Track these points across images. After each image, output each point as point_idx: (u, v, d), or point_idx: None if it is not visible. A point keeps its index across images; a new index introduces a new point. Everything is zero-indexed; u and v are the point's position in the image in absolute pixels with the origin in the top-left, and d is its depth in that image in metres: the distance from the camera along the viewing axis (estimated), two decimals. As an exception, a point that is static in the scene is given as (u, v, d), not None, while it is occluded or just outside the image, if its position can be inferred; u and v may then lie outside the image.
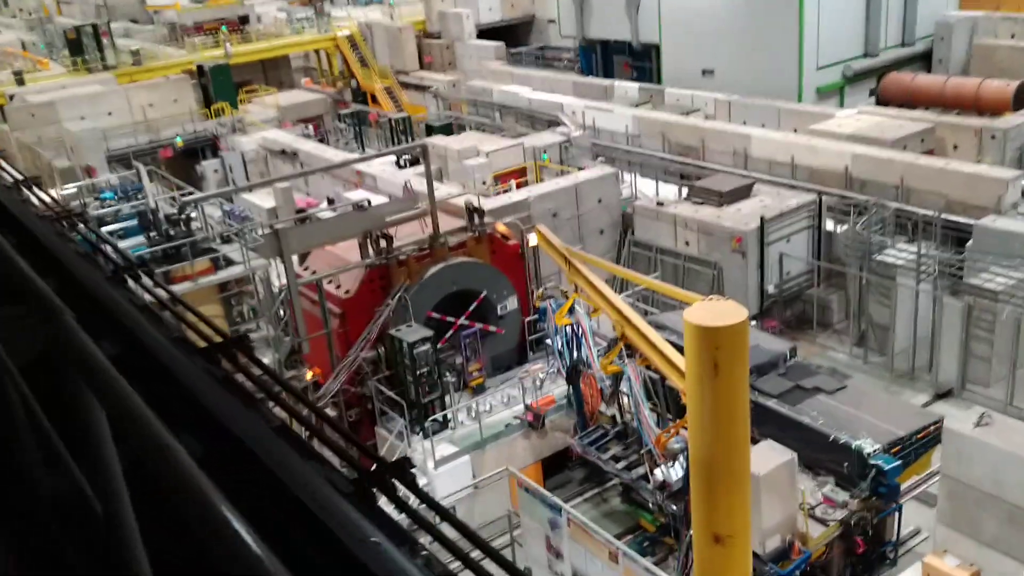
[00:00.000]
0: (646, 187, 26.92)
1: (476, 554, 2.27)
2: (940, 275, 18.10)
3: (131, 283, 4.97)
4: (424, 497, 2.78)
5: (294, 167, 28.56)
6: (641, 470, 13.72)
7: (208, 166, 29.35)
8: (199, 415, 2.80)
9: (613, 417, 14.98)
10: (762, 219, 20.11)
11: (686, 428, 10.07)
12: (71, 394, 2.89)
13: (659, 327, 13.45)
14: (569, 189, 22.29)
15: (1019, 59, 30.71)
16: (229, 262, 15.09)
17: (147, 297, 5.02)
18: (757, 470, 10.26)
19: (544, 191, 22.06)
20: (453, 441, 16.08)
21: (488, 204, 20.28)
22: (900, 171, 22.02)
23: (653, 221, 22.13)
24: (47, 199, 6.51)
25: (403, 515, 2.61)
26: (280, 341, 15.74)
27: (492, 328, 17.88)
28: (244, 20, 46.17)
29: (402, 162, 26.90)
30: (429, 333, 16.02)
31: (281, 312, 16.34)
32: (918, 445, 12.85)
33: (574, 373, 14.68)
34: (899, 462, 12.19)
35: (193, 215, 14.92)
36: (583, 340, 13.74)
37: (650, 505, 13.86)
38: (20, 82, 33.68)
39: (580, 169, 25.27)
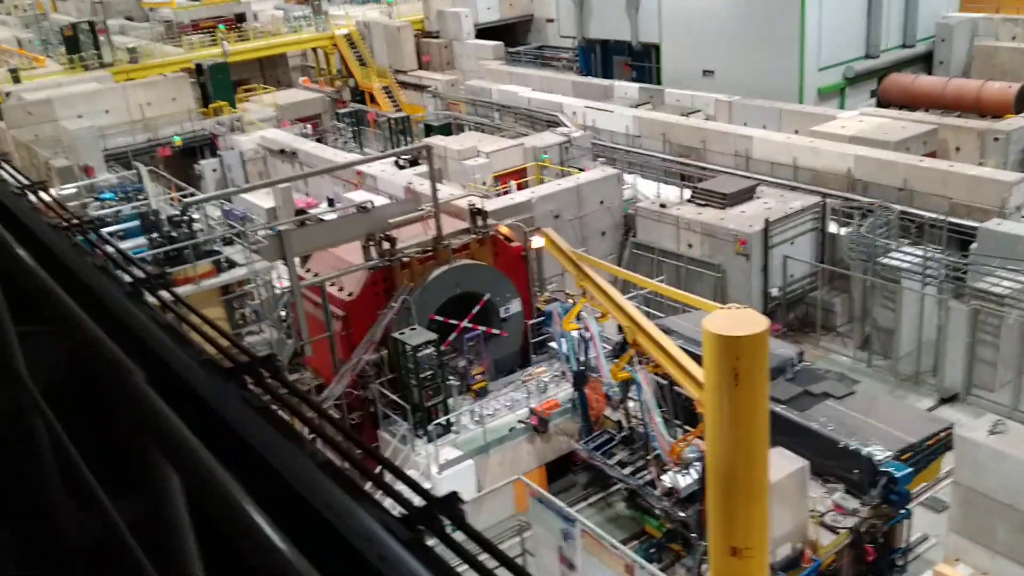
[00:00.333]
0: (647, 188, 26.80)
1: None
2: (945, 278, 18.00)
3: (148, 296, 4.81)
4: (478, 538, 2.63)
5: (293, 167, 28.38)
6: (648, 476, 13.57)
7: (206, 165, 29.13)
8: (238, 448, 2.65)
9: (618, 422, 14.84)
10: (767, 221, 19.99)
11: (700, 437, 9.95)
12: (106, 419, 2.72)
13: (665, 332, 13.32)
14: (571, 190, 22.15)
15: (1020, 61, 30.70)
16: (231, 264, 14.90)
17: (162, 309, 4.86)
18: (769, 478, 10.11)
19: (546, 192, 21.92)
20: (457, 445, 15.93)
21: (490, 205, 20.13)
22: (903, 173, 21.94)
23: (655, 223, 22.00)
24: (55, 205, 6.34)
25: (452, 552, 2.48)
26: (283, 344, 15.57)
27: (495, 331, 17.74)
28: (241, 18, 45.99)
29: (401, 162, 26.75)
30: (433, 336, 15.86)
31: (283, 315, 16.18)
32: (928, 451, 12.75)
33: (581, 378, 14.53)
34: (910, 469, 12.08)
35: (196, 216, 14.73)
36: (591, 345, 13.58)
37: (656, 511, 13.72)
38: (16, 79, 33.43)
39: (581, 170, 25.14)
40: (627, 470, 14.05)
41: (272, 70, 42.98)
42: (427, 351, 15.71)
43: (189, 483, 1.82)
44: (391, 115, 34.02)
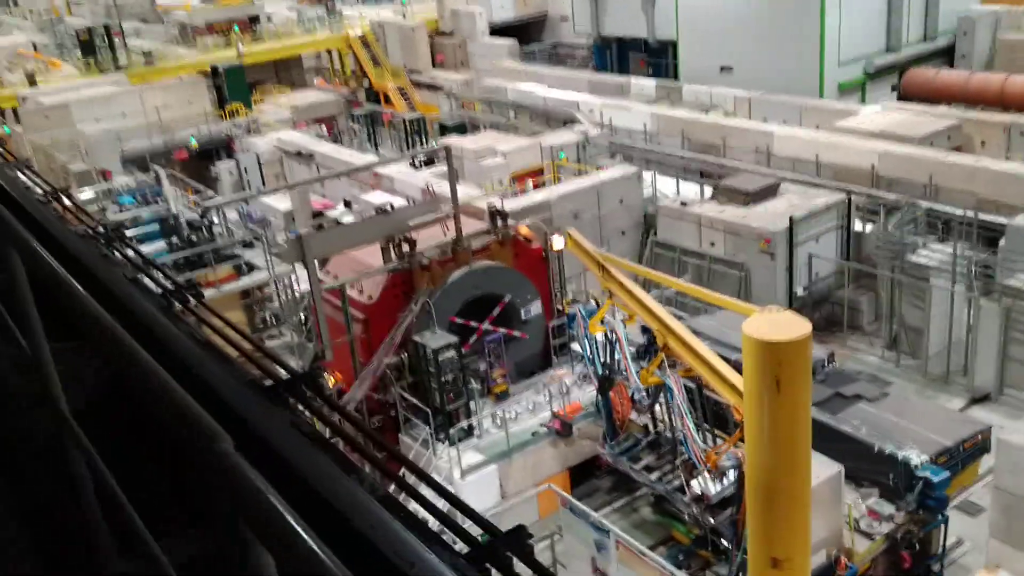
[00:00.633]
0: (666, 186, 26.53)
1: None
2: (976, 276, 17.64)
3: (179, 307, 4.61)
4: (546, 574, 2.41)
5: (309, 168, 28.23)
6: (676, 481, 13.31)
7: (223, 167, 29.03)
8: (294, 482, 2.45)
9: (645, 426, 14.58)
10: (791, 219, 19.67)
11: (737, 445, 9.70)
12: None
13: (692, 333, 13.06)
14: (591, 189, 21.91)
15: (1044, 54, 30.23)
16: (251, 268, 14.73)
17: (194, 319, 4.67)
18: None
19: (566, 192, 21.67)
20: (479, 449, 15.72)
21: (509, 206, 19.90)
22: (929, 169, 21.59)
23: (677, 221, 21.72)
24: (80, 212, 6.16)
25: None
26: (303, 348, 15.40)
27: (516, 333, 17.51)
28: (254, 20, 45.84)
29: (417, 163, 26.57)
30: (454, 339, 15.66)
31: (303, 318, 16.01)
32: (965, 455, 12.45)
33: (607, 382, 14.28)
34: (947, 473, 11.78)
35: (215, 220, 14.57)
36: (617, 349, 13.32)
37: (685, 517, 13.45)
38: (32, 83, 33.42)
39: (599, 168, 24.88)
40: (654, 475, 13.79)
41: (286, 71, 42.87)
42: (448, 354, 15.52)
43: (247, 518, 1.67)
44: (406, 115, 33.84)
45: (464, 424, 15.81)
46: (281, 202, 25.69)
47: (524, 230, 18.08)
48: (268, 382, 3.34)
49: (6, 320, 3.63)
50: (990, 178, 20.55)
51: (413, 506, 2.54)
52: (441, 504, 2.67)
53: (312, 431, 2.75)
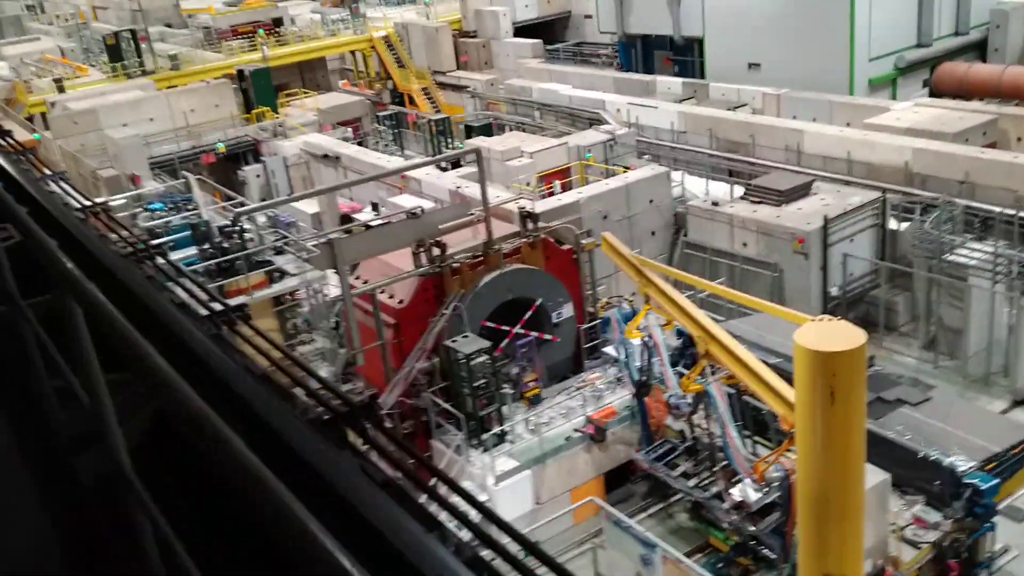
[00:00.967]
0: (694, 185, 26.22)
1: None
2: (1018, 275, 17.26)
3: (225, 331, 4.48)
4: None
5: (337, 171, 28.18)
6: (715, 488, 13.09)
7: (250, 171, 29.04)
8: (367, 536, 2.29)
9: (681, 431, 14.36)
10: (825, 218, 19.36)
11: (786, 456, 9.48)
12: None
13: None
14: (620, 190, 21.65)
15: (1080, 46, 29.64)
16: (283, 274, 14.66)
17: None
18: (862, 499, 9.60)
19: (595, 192, 21.44)
20: (512, 455, 15.55)
21: (538, 207, 19.72)
22: (964, 166, 21.18)
23: (707, 222, 21.45)
24: (118, 228, 6.05)
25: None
26: (335, 354, 15.31)
27: (547, 336, 17.34)
28: (278, 22, 45.98)
29: (443, 164, 26.42)
30: (486, 344, 15.50)
31: (334, 323, 15.93)
32: (1014, 461, 12.13)
33: (643, 388, 14.07)
34: (996, 480, 11.48)
35: (247, 226, 14.51)
36: (655, 354, 13.11)
37: (724, 524, 13.22)
38: (60, 89, 33.64)
39: (626, 168, 24.63)
40: (692, 482, 13.58)
41: (311, 74, 42.93)
42: (480, 359, 15.36)
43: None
44: (432, 117, 33.72)
45: (497, 430, 15.65)
46: (309, 205, 25.65)
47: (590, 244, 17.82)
48: (325, 415, 3.20)
49: (52, 351, 3.52)
50: (1029, 174, 20.12)
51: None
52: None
53: (386, 480, 2.59)
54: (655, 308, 12.69)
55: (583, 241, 17.53)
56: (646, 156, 27.67)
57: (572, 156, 26.32)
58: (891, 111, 25.75)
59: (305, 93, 37.42)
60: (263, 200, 28.35)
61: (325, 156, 28.16)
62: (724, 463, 12.88)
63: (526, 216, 17.38)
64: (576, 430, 15.84)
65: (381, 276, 16.54)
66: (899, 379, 14.14)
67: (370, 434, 3.25)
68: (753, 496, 12.08)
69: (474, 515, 3.03)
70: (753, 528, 12.31)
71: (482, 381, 15.42)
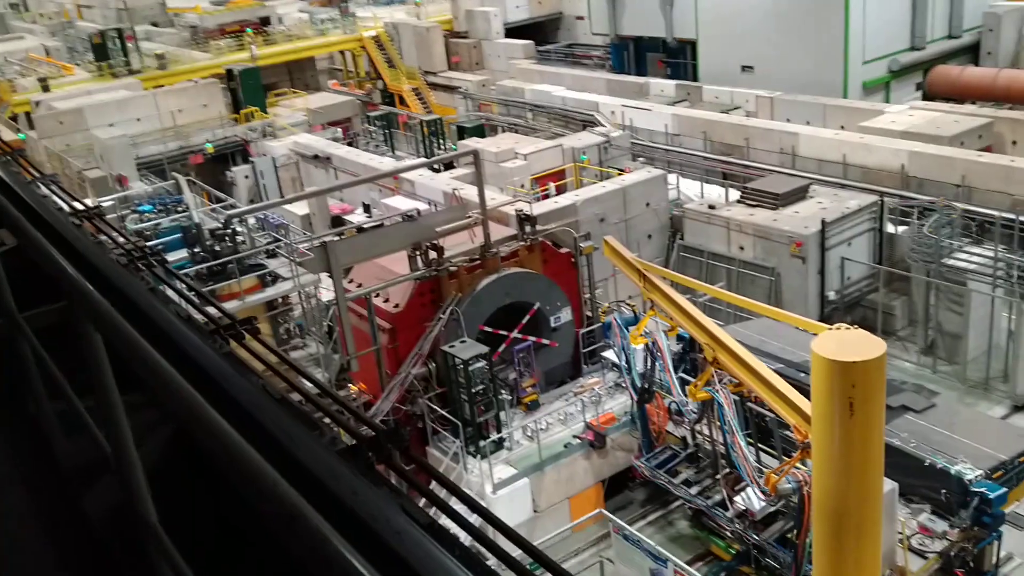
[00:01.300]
0: (689, 188, 26.04)
1: None
2: (1018, 280, 17.14)
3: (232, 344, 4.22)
4: None
5: (327, 172, 27.86)
6: (718, 496, 12.88)
7: (239, 172, 28.66)
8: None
9: (683, 438, 14.15)
10: (823, 222, 19.20)
11: (799, 467, 9.27)
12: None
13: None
14: (616, 192, 21.44)
15: (1073, 50, 29.63)
16: (276, 278, 14.36)
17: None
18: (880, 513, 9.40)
19: (591, 195, 21.21)
20: (510, 463, 15.33)
21: (535, 210, 19.49)
22: (961, 169, 21.08)
23: (704, 225, 21.26)
24: (114, 233, 5.77)
25: None
26: (329, 359, 15.02)
27: (545, 341, 17.11)
28: (265, 22, 45.62)
29: (436, 165, 26.14)
30: (484, 349, 15.26)
31: (328, 329, 15.64)
32: (1020, 468, 11.97)
33: (646, 395, 13.85)
34: (1004, 489, 11.32)
35: (239, 229, 14.20)
36: (659, 361, 12.88)
37: (726, 532, 13.02)
38: (46, 88, 33.16)
39: (620, 171, 24.44)
40: (694, 489, 13.36)
41: (300, 73, 42.56)
42: (479, 365, 15.12)
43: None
44: (423, 117, 33.43)
45: (495, 437, 15.40)
46: (299, 207, 25.32)
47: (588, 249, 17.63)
48: (351, 442, 2.94)
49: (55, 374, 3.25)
50: (1026, 178, 20.03)
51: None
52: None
53: (428, 521, 2.35)
54: (659, 313, 12.46)
55: (582, 244, 17.30)
56: (640, 158, 27.49)
57: (566, 158, 26.10)
58: (886, 114, 25.65)
59: (294, 93, 37.07)
60: (252, 201, 28.02)
61: (316, 157, 27.83)
62: (727, 471, 12.67)
63: (524, 219, 17.14)
64: (575, 436, 15.64)
65: (376, 280, 16.26)
66: (903, 385, 13.98)
67: (398, 463, 2.99)
68: (758, 505, 11.87)
69: (513, 550, 2.78)
70: (757, 537, 12.10)
71: (480, 387, 15.18)
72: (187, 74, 35.79)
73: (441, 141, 32.27)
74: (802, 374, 13.14)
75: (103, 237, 5.60)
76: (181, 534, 2.67)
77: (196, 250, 13.98)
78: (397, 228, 16.01)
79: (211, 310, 4.56)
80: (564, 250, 17.66)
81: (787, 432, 12.05)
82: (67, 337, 3.60)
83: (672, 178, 25.65)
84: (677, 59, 36.12)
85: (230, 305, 13.33)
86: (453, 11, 43.25)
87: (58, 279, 3.43)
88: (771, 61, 30.89)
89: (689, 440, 14.00)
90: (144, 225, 15.42)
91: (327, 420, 3.36)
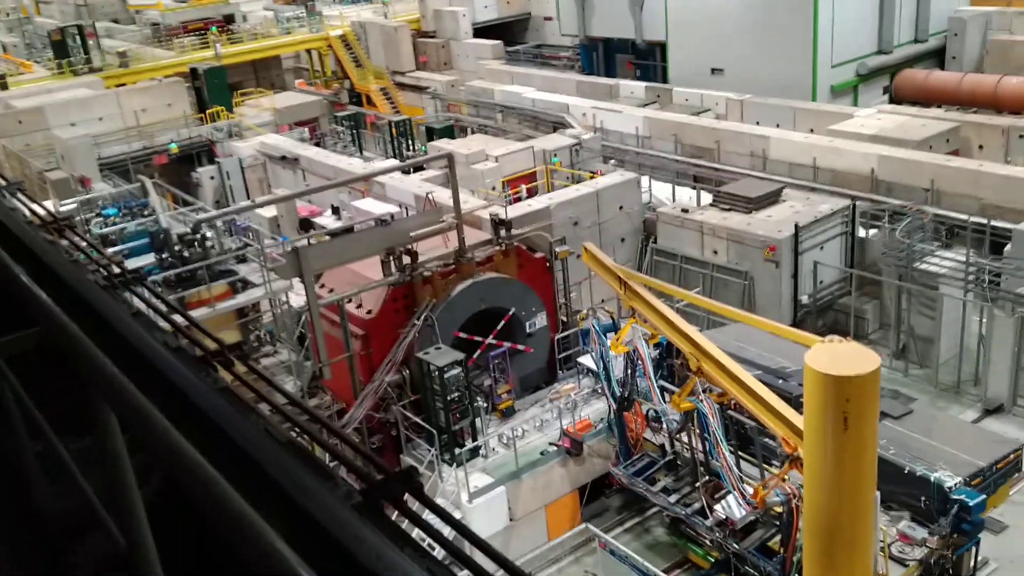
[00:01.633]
0: (660, 191, 26.01)
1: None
2: (988, 284, 17.27)
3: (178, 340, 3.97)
4: None
5: (295, 173, 27.44)
6: (697, 504, 12.78)
7: (204, 173, 28.11)
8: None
9: (661, 446, 14.04)
10: (796, 226, 19.23)
11: (785, 480, 9.18)
12: None
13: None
14: (590, 196, 21.31)
15: (1036, 55, 30.07)
16: (246, 284, 14.01)
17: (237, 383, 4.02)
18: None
19: (565, 198, 21.06)
20: (487, 471, 15.12)
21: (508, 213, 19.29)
22: (930, 173, 21.23)
23: (677, 228, 21.21)
24: (90, 248, 5.47)
25: None
26: (301, 367, 14.70)
27: (521, 347, 16.93)
28: (230, 19, 44.95)
29: (406, 167, 25.82)
30: (460, 356, 15.03)
31: (299, 335, 15.31)
32: (998, 475, 12.01)
33: (625, 403, 13.71)
34: (984, 497, 11.34)
35: (208, 234, 13.83)
36: (641, 369, 12.74)
37: (707, 541, 12.92)
38: (3, 86, 32.33)
39: (592, 174, 24.34)
40: (673, 497, 13.25)
41: (266, 72, 41.97)
42: (454, 371, 14.89)
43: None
44: (392, 118, 33.07)
45: (471, 445, 15.18)
46: (266, 209, 24.86)
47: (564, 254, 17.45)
48: (360, 489, 2.71)
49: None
50: (994, 182, 20.22)
51: None
52: None
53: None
54: (639, 321, 12.32)
55: (557, 249, 17.14)
56: (612, 161, 27.42)
57: (537, 160, 25.94)
58: (855, 118, 25.82)
59: (260, 92, 36.51)
60: (218, 202, 27.50)
61: (283, 158, 27.39)
62: (706, 479, 12.57)
63: (499, 223, 16.94)
64: (551, 443, 15.46)
65: (348, 285, 15.97)
66: (880, 392, 13.96)
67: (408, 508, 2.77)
68: (738, 513, 11.78)
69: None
70: (738, 545, 12.02)
71: (456, 394, 14.95)
72: (150, 72, 35.11)
73: (410, 142, 31.96)
74: (780, 380, 13.11)
75: (76, 251, 5.30)
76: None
77: (164, 256, 13.59)
78: (370, 232, 15.71)
79: (194, 332, 4.31)
80: (539, 254, 17.48)
81: (767, 439, 11.99)
82: (45, 366, 3.33)
83: (643, 181, 25.61)
84: (646, 61, 36.15)
85: (200, 312, 12.99)
86: (421, 10, 42.94)
87: (30, 306, 3.16)
88: (741, 64, 31.00)
89: (667, 448, 13.89)
90: (109, 229, 14.99)
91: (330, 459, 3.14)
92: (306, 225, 24.44)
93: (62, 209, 15.72)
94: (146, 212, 15.59)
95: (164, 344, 3.61)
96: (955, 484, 11.40)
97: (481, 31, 42.12)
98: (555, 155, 25.95)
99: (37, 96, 29.99)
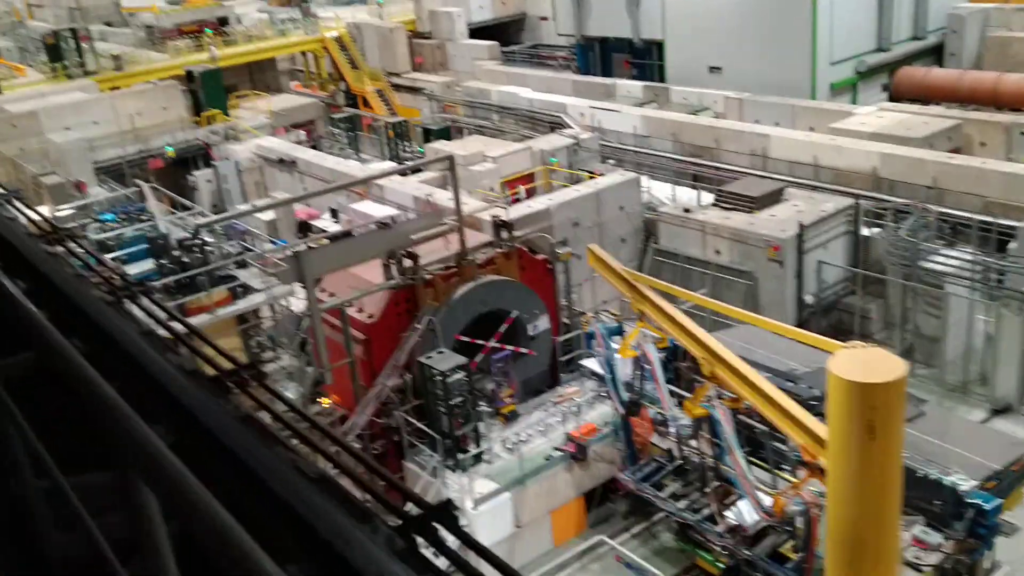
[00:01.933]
0: (659, 191, 25.83)
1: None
2: (996, 283, 17.12)
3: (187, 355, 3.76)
4: None
5: (292, 176, 27.20)
6: (707, 510, 12.59)
7: (200, 176, 27.87)
8: None
9: (668, 451, 13.84)
10: (800, 225, 19.06)
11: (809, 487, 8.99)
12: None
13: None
14: (590, 196, 21.12)
15: (1035, 52, 29.95)
16: (247, 290, 13.79)
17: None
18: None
19: (565, 199, 20.87)
20: (490, 476, 14.91)
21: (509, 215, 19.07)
22: (933, 171, 21.08)
23: (679, 228, 21.03)
24: (93, 260, 5.26)
25: None
26: (302, 372, 14.49)
27: (523, 350, 16.73)
28: (223, 22, 44.63)
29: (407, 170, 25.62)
30: (463, 360, 14.83)
31: (301, 340, 15.10)
32: (1012, 478, 11.85)
33: (633, 407, 13.51)
34: (999, 500, 11.16)
35: (208, 239, 13.61)
36: (650, 375, 12.53)
37: (716, 547, 12.73)
38: (-3, 91, 32.04)
39: (591, 174, 24.14)
40: (682, 503, 13.05)
41: (261, 75, 41.68)
42: (457, 376, 14.68)
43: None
44: (388, 119, 32.87)
45: (475, 451, 14.98)
46: (263, 213, 24.61)
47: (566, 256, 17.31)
48: (391, 521, 2.51)
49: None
50: (998, 180, 20.08)
51: None
52: None
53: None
54: (648, 325, 12.12)
55: (559, 251, 16.95)
56: (610, 160, 27.22)
57: (535, 161, 25.74)
58: (855, 116, 25.66)
59: (256, 95, 36.26)
60: (215, 205, 27.27)
61: (280, 160, 27.15)
62: (716, 484, 12.39)
63: (500, 225, 16.74)
64: (556, 448, 15.26)
65: (349, 289, 15.76)
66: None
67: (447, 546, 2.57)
68: (750, 519, 11.60)
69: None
70: (749, 552, 11.83)
71: (459, 399, 14.74)
72: (145, 75, 34.80)
73: (407, 143, 31.75)
74: (789, 383, 12.91)
75: (78, 261, 5.08)
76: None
77: (163, 261, 13.36)
78: (371, 236, 15.51)
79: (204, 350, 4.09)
80: (540, 256, 17.29)
81: (778, 444, 11.81)
82: (49, 392, 3.12)
83: (642, 180, 25.41)
84: (644, 60, 35.96)
85: (200, 319, 12.77)
86: (416, 11, 42.68)
87: (30, 330, 2.97)
88: (739, 62, 30.83)
89: (675, 453, 13.69)
90: (107, 235, 14.76)
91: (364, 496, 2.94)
92: (304, 228, 24.21)
93: (59, 215, 15.49)
94: (144, 217, 15.36)
95: (180, 368, 3.40)
96: (970, 488, 11.22)
97: (477, 32, 41.91)
98: (553, 155, 25.75)
99: (31, 100, 29.70)
